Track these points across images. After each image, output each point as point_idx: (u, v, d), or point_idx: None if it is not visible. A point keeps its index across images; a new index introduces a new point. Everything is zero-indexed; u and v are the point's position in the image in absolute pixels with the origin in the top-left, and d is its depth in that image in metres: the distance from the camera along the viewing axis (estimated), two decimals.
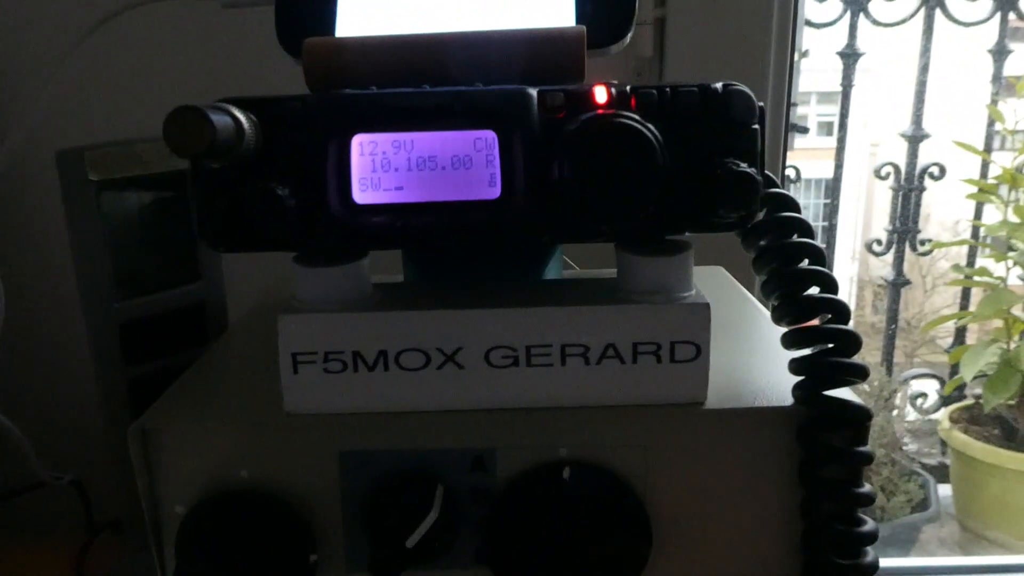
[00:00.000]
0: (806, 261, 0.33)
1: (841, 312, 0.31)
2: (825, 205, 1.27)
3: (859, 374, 0.31)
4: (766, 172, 0.33)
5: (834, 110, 1.20)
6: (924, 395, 1.49)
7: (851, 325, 0.32)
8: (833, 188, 1.26)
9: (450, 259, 0.37)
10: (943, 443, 1.45)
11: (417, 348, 0.31)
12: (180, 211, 0.49)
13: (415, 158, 0.29)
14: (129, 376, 0.48)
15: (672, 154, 0.28)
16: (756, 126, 0.29)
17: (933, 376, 1.51)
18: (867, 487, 0.31)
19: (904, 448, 1.50)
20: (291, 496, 0.33)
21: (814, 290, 0.32)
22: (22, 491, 0.58)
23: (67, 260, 0.46)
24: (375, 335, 0.31)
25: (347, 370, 0.31)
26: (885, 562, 0.92)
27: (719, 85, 0.29)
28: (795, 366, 0.32)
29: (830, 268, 0.32)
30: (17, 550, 0.61)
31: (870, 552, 0.32)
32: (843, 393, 0.31)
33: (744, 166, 0.28)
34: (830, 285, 0.32)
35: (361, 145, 0.29)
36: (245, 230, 0.28)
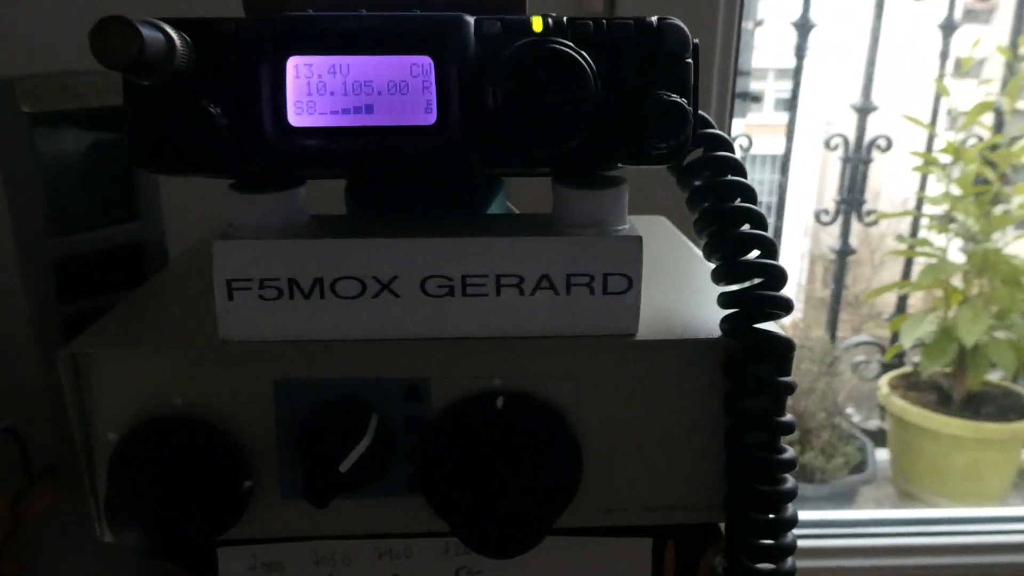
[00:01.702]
0: (738, 200, 0.34)
1: (769, 248, 0.32)
2: (781, 184, 1.29)
3: (784, 307, 0.32)
4: (702, 113, 0.34)
5: (790, 86, 1.21)
6: (866, 362, 1.54)
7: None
8: (785, 156, 1.28)
9: (390, 193, 0.37)
10: (882, 409, 1.49)
11: (353, 276, 0.31)
12: (118, 148, 0.48)
13: (351, 82, 0.29)
14: (63, 315, 0.48)
15: (605, 84, 0.28)
16: (689, 60, 0.29)
17: (874, 344, 1.55)
18: (788, 416, 0.33)
19: (844, 413, 1.54)
20: (225, 424, 0.33)
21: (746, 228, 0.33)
22: None
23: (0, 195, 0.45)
24: (311, 263, 0.31)
25: (282, 297, 0.32)
26: (823, 515, 0.95)
27: (654, 19, 0.29)
28: (724, 299, 0.33)
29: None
30: None
31: (789, 479, 0.33)
32: (769, 327, 0.32)
33: (675, 97, 0.28)
34: (759, 222, 0.33)
35: (296, 68, 0.28)
36: (176, 149, 0.27)
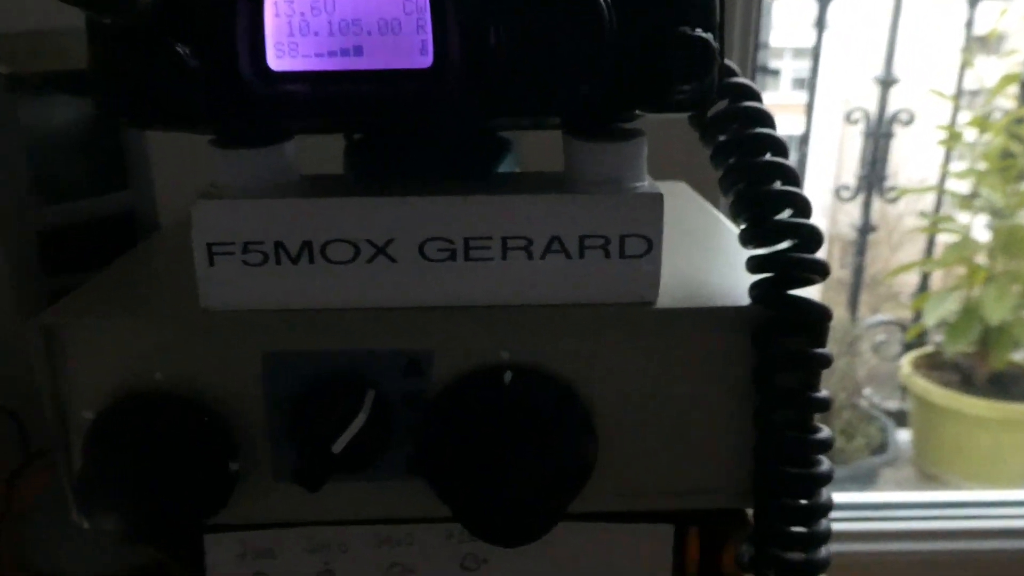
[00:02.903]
0: (768, 155, 0.31)
1: (803, 206, 0.29)
2: (800, 162, 1.25)
3: (820, 270, 0.29)
4: (727, 62, 0.31)
5: (808, 65, 1.18)
6: (886, 342, 1.51)
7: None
8: (804, 133, 1.24)
9: (390, 153, 0.34)
10: (903, 389, 1.46)
11: (345, 239, 0.29)
12: None
13: (337, 21, 0.26)
14: (50, 288, 0.45)
15: (621, 19, 0.25)
16: None
17: (895, 324, 1.52)
18: (824, 392, 0.30)
19: (864, 394, 1.51)
20: (210, 400, 0.30)
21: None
22: None
23: None
24: (298, 224, 0.28)
25: (268, 262, 0.29)
26: (844, 497, 0.93)
27: None
28: (753, 263, 0.30)
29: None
30: None
31: (824, 461, 0.30)
32: (803, 293, 0.29)
33: (700, 32, 0.25)
34: (792, 178, 0.30)
35: (276, 5, 0.26)
36: (143, 97, 0.25)
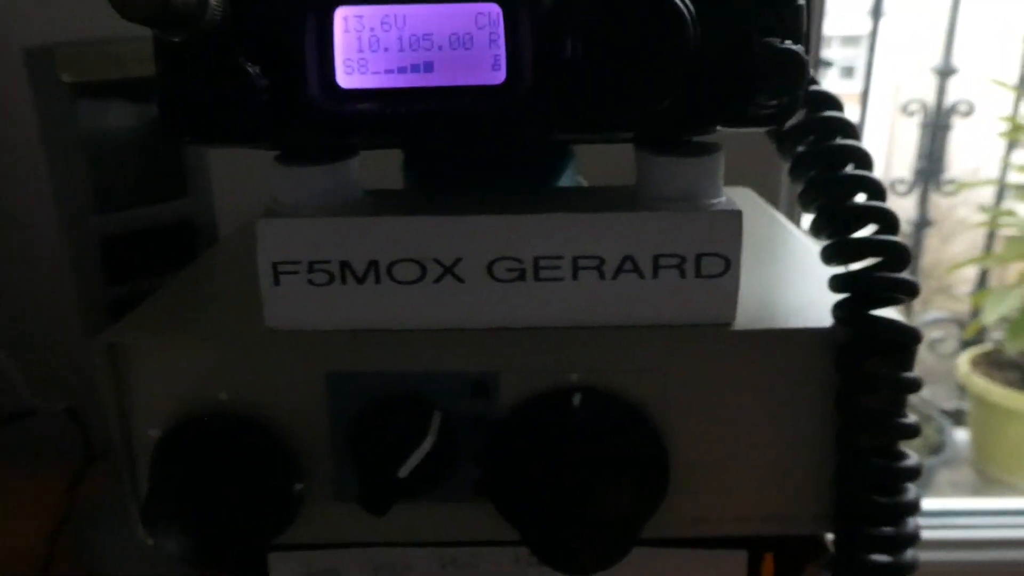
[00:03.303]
0: (850, 166, 0.29)
1: (889, 221, 0.28)
2: None
3: (908, 290, 0.27)
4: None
5: (856, 54, 1.15)
6: (944, 340, 1.46)
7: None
8: (859, 124, 1.20)
9: (451, 164, 0.34)
10: (960, 388, 1.42)
11: (412, 258, 0.28)
12: None
13: (408, 36, 0.25)
14: (111, 296, 0.45)
15: (705, 29, 0.24)
16: (802, 1, 0.25)
17: (953, 321, 1.48)
18: (911, 418, 0.28)
19: (921, 393, 1.47)
20: (274, 420, 0.30)
21: (860, 199, 0.29)
22: (11, 419, 0.56)
23: (43, 170, 0.43)
24: (365, 243, 0.28)
25: (334, 282, 0.28)
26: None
27: None
28: (837, 282, 0.29)
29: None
30: (10, 478, 0.59)
31: (911, 489, 0.29)
32: (889, 313, 0.28)
33: (789, 44, 0.24)
34: (877, 191, 0.28)
35: (345, 20, 0.25)
36: (210, 115, 0.24)
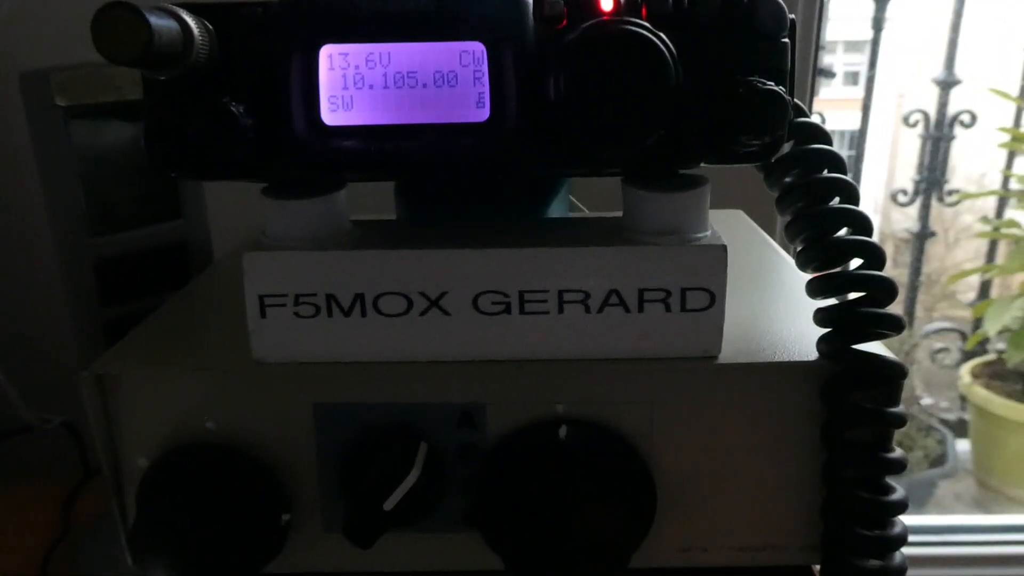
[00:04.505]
0: (837, 200, 0.29)
1: (875, 256, 0.28)
2: (850, 157, 1.21)
3: (894, 326, 0.27)
4: (795, 100, 0.29)
5: (860, 59, 1.14)
6: (946, 349, 1.46)
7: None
8: (860, 132, 1.20)
9: (442, 196, 0.34)
10: (962, 398, 1.41)
11: (398, 291, 0.28)
12: None
13: (392, 74, 0.25)
14: (106, 317, 0.45)
15: (687, 70, 0.24)
16: (786, 40, 0.25)
17: (955, 331, 1.47)
18: (897, 452, 0.28)
19: (921, 403, 1.47)
20: (262, 451, 0.30)
21: (844, 232, 0.29)
22: (7, 435, 0.56)
23: (39, 193, 0.43)
24: (351, 276, 0.28)
25: (320, 314, 0.28)
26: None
27: None
28: (821, 317, 0.29)
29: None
30: (7, 494, 0.59)
31: (898, 523, 0.29)
32: (874, 348, 0.28)
33: (771, 85, 0.24)
34: (863, 226, 0.28)
35: (331, 58, 0.25)
36: (195, 152, 0.24)
